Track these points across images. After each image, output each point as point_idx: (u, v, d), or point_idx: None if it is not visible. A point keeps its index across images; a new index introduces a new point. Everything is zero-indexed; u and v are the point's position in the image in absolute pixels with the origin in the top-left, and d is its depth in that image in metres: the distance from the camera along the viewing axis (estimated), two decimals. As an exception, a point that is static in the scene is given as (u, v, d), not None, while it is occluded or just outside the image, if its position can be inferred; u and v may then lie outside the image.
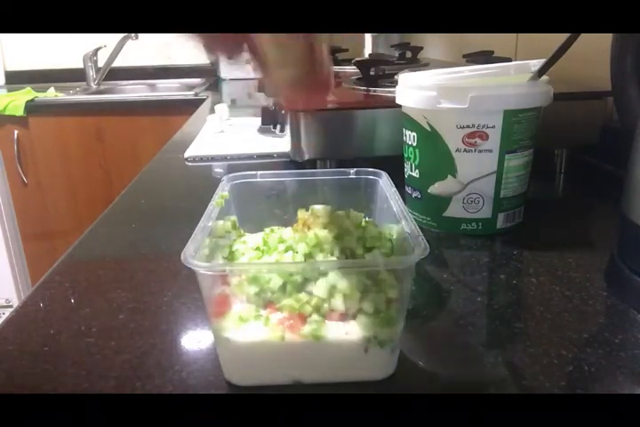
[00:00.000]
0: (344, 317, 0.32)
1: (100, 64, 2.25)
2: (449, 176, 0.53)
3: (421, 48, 1.22)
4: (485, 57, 0.88)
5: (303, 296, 0.32)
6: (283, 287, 0.32)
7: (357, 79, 0.87)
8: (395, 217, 0.37)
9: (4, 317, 0.43)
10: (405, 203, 0.39)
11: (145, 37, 2.23)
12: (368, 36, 1.65)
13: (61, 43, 2.31)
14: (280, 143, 0.92)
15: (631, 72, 0.48)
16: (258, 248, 0.37)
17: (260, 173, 0.45)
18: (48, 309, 0.44)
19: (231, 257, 0.37)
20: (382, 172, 0.44)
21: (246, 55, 0.29)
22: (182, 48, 2.28)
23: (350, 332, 0.32)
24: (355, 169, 0.44)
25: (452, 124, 0.51)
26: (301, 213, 0.39)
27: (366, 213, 0.41)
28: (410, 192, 0.58)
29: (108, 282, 0.48)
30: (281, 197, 0.44)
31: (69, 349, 0.38)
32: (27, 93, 1.97)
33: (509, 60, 0.80)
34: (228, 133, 1.05)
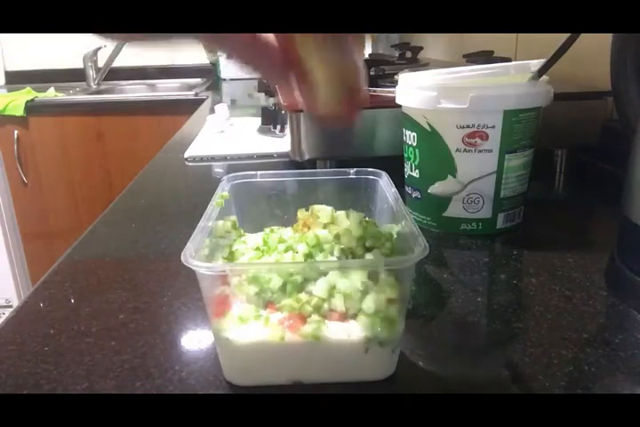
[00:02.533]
0: (344, 317, 0.32)
1: (100, 64, 2.25)
2: (449, 176, 0.53)
3: (421, 48, 1.22)
4: (485, 57, 0.88)
5: (303, 296, 0.32)
6: (283, 287, 0.32)
7: (357, 79, 0.87)
8: (395, 217, 0.37)
9: (3, 317, 0.43)
10: (405, 203, 0.39)
11: (145, 37, 2.23)
12: (368, 36, 1.65)
13: (61, 43, 2.31)
14: (280, 143, 0.92)
15: (631, 72, 0.48)
16: (258, 248, 0.37)
17: (260, 173, 0.45)
18: (48, 309, 0.44)
19: (231, 257, 0.37)
20: (382, 172, 0.44)
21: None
22: (183, 48, 2.28)
23: (350, 332, 0.32)
24: (355, 169, 0.44)
25: (452, 124, 0.51)
26: (301, 213, 0.39)
27: (366, 213, 0.41)
28: (410, 192, 0.58)
29: (108, 282, 0.48)
30: (281, 197, 0.44)
31: (69, 349, 0.38)
32: (27, 93, 1.97)
33: (509, 60, 0.80)
34: (227, 133, 1.05)
